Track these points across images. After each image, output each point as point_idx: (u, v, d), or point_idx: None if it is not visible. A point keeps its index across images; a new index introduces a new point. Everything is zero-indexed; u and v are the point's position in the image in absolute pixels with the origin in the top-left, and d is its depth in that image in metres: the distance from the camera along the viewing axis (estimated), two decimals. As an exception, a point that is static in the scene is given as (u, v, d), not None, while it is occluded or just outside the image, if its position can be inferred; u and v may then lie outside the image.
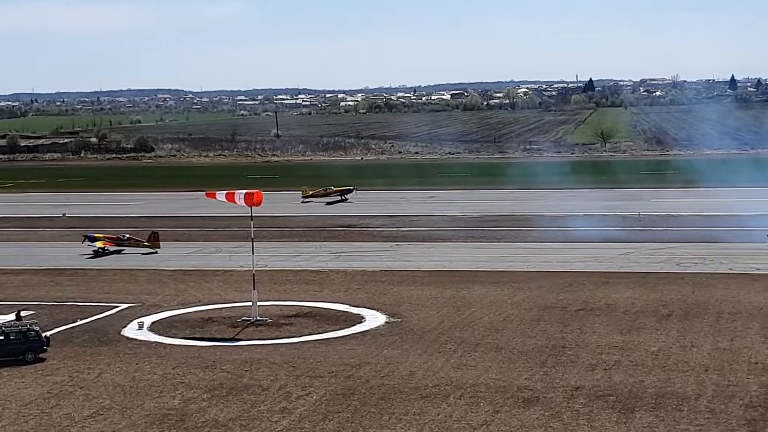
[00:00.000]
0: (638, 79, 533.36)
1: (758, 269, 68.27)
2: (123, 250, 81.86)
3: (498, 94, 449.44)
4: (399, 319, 54.99)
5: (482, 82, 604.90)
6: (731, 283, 63.12)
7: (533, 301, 58.81)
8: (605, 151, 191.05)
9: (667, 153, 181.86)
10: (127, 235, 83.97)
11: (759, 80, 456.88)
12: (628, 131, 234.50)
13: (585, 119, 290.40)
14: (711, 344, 47.74)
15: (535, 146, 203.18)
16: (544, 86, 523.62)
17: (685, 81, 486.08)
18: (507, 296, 60.56)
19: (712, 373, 42.80)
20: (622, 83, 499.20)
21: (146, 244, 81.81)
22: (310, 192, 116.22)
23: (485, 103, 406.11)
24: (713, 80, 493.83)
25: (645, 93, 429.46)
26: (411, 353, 47.50)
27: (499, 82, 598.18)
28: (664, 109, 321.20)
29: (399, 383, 42.39)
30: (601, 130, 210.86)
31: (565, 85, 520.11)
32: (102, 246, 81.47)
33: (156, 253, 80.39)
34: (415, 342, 49.70)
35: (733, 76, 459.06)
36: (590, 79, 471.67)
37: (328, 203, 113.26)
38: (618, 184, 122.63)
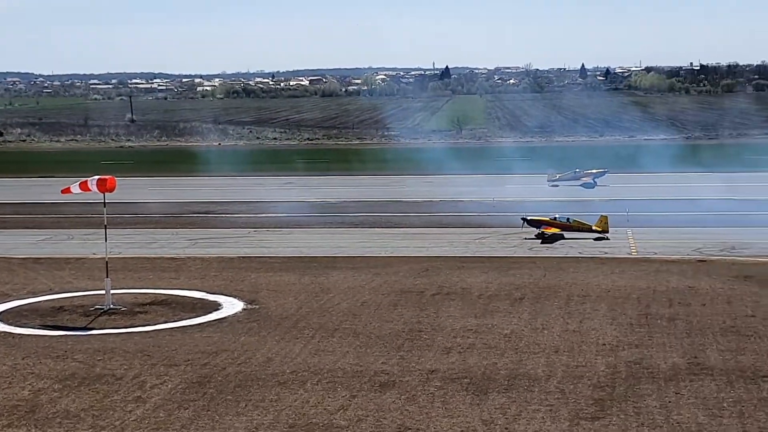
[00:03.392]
0: (493, 67, 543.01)
1: (606, 253, 70.64)
2: None
3: (356, 81, 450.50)
4: (257, 306, 54.74)
5: (341, 68, 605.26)
6: (581, 267, 65.04)
7: (391, 286, 59.37)
8: (461, 137, 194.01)
9: (520, 140, 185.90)
10: None
11: (608, 69, 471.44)
12: (483, 118, 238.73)
13: (442, 106, 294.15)
14: (561, 326, 49.09)
15: (392, 132, 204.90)
16: (402, 73, 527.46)
17: (537, 69, 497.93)
18: (365, 281, 60.97)
19: (562, 354, 44.02)
20: (477, 71, 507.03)
21: None
22: None
23: (344, 89, 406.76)
24: (564, 69, 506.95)
25: (499, 81, 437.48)
26: (268, 340, 47.38)
27: (357, 68, 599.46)
28: (517, 97, 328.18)
29: (256, 370, 42.24)
30: (456, 117, 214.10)
31: (423, 72, 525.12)
32: None
33: None
34: (272, 328, 49.58)
35: (583, 64, 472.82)
36: (447, 66, 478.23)
37: None
38: (473, 170, 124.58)
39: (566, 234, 76.14)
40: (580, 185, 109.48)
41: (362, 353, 44.73)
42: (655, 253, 70.01)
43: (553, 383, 39.91)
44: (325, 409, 37.32)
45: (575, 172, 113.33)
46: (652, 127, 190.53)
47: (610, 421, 35.58)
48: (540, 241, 75.10)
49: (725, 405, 36.91)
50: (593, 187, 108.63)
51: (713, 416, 35.79)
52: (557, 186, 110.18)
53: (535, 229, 76.74)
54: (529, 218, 78.04)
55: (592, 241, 75.07)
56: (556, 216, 78.15)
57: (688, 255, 69.24)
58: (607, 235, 75.72)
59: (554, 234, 75.63)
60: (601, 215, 77.26)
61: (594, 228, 76.24)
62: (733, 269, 63.61)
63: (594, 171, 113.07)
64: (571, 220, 77.34)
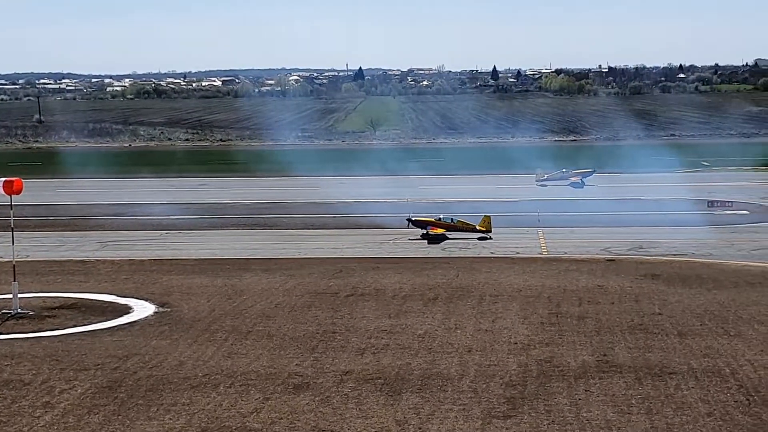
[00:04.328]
0: (406, 69, 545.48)
1: (518, 252, 71.55)
2: None
3: (270, 82, 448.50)
4: (168, 309, 54.18)
5: (254, 69, 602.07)
6: (493, 267, 65.74)
7: (305, 288, 59.28)
8: (375, 139, 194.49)
9: (433, 141, 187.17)
10: None
11: (519, 71, 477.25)
12: (396, 119, 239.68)
13: (355, 107, 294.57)
14: (474, 326, 49.54)
15: (307, 134, 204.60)
16: (315, 74, 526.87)
17: (450, 71, 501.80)
18: (279, 283, 60.78)
19: (475, 353, 44.43)
20: (390, 72, 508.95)
21: None
22: None
23: (257, 90, 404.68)
24: (476, 71, 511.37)
25: (412, 82, 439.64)
26: (181, 343, 46.92)
27: (270, 69, 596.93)
28: (430, 98, 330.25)
29: (168, 374, 41.80)
30: (370, 118, 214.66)
31: (336, 73, 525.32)
32: None
33: None
34: (184, 331, 49.11)
35: (495, 67, 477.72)
36: (360, 68, 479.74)
37: None
38: (388, 172, 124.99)
39: (451, 234, 77.56)
40: (569, 185, 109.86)
41: (276, 355, 44.59)
42: (565, 253, 71.13)
43: (466, 382, 40.26)
44: (238, 412, 37.11)
45: (563, 172, 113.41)
46: (561, 128, 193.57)
47: (522, 419, 36.04)
48: (426, 241, 76.30)
49: (633, 402, 37.65)
50: (582, 187, 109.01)
51: (622, 413, 36.48)
52: (546, 186, 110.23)
53: (421, 229, 77.96)
54: (414, 219, 79.26)
55: (476, 240, 76.43)
56: (441, 216, 79.51)
57: (597, 254, 70.49)
58: (490, 234, 77.28)
59: (438, 234, 77.09)
60: (484, 215, 78.82)
61: (478, 228, 77.81)
62: (641, 268, 64.91)
63: (582, 171, 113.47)
64: (455, 221, 78.76)
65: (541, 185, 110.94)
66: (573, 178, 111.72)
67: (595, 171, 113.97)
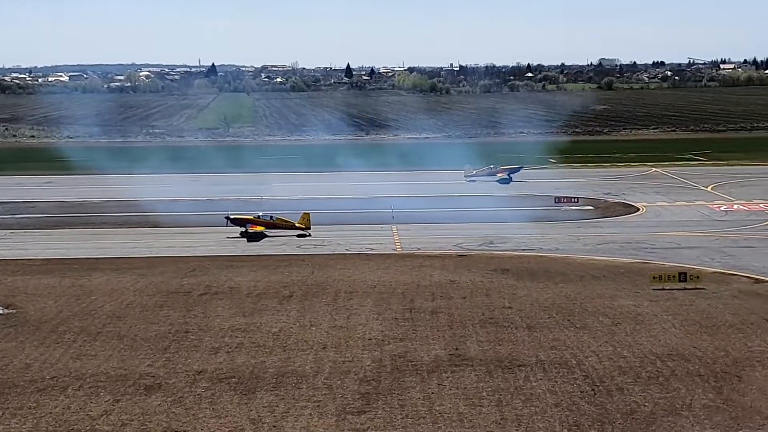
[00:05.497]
0: (260, 66, 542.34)
1: (372, 249, 72.06)
2: None
3: (119, 77, 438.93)
4: (14, 311, 52.59)
5: (102, 65, 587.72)
6: (348, 263, 66.07)
7: (156, 287, 58.37)
8: (228, 136, 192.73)
9: (287, 138, 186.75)
10: None
11: (372, 69, 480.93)
12: (250, 117, 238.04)
13: (208, 104, 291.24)
14: (329, 323, 49.71)
15: (157, 130, 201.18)
16: (167, 70, 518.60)
17: (304, 68, 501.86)
18: (129, 283, 59.66)
19: (330, 350, 44.60)
20: (244, 69, 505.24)
21: None
22: None
23: (106, 86, 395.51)
24: (330, 68, 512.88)
25: (266, 79, 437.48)
26: (27, 345, 45.60)
27: (120, 64, 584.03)
28: (284, 95, 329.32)
29: (13, 377, 40.57)
30: (224, 115, 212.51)
31: (188, 69, 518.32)
32: None
33: None
34: (31, 333, 47.74)
35: (348, 64, 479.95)
36: (213, 64, 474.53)
37: None
38: (242, 169, 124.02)
39: (270, 232, 78.06)
40: (497, 180, 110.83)
41: (127, 356, 43.79)
42: (419, 249, 72.02)
43: (321, 379, 40.38)
44: (87, 414, 36.30)
45: (491, 168, 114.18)
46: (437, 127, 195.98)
47: (376, 414, 36.38)
48: (246, 239, 76.50)
49: (484, 394, 38.46)
50: (509, 183, 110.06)
51: (473, 405, 37.22)
52: (474, 181, 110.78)
53: (240, 227, 78.14)
54: (232, 217, 79.30)
55: (296, 237, 77.00)
56: (260, 214, 79.85)
57: (449, 250, 71.61)
58: (309, 231, 78.06)
59: (257, 232, 77.46)
60: (304, 213, 79.63)
61: (297, 225, 78.51)
62: (492, 263, 66.29)
63: (509, 167, 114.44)
64: (274, 218, 79.26)
65: (470, 181, 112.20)
66: (500, 174, 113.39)
67: (522, 167, 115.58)
